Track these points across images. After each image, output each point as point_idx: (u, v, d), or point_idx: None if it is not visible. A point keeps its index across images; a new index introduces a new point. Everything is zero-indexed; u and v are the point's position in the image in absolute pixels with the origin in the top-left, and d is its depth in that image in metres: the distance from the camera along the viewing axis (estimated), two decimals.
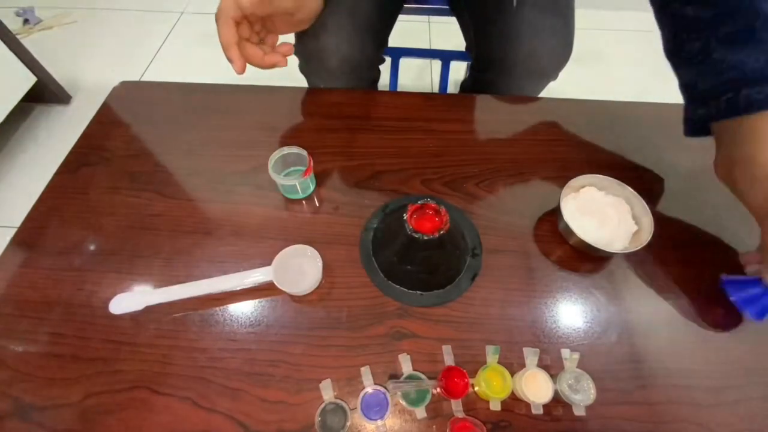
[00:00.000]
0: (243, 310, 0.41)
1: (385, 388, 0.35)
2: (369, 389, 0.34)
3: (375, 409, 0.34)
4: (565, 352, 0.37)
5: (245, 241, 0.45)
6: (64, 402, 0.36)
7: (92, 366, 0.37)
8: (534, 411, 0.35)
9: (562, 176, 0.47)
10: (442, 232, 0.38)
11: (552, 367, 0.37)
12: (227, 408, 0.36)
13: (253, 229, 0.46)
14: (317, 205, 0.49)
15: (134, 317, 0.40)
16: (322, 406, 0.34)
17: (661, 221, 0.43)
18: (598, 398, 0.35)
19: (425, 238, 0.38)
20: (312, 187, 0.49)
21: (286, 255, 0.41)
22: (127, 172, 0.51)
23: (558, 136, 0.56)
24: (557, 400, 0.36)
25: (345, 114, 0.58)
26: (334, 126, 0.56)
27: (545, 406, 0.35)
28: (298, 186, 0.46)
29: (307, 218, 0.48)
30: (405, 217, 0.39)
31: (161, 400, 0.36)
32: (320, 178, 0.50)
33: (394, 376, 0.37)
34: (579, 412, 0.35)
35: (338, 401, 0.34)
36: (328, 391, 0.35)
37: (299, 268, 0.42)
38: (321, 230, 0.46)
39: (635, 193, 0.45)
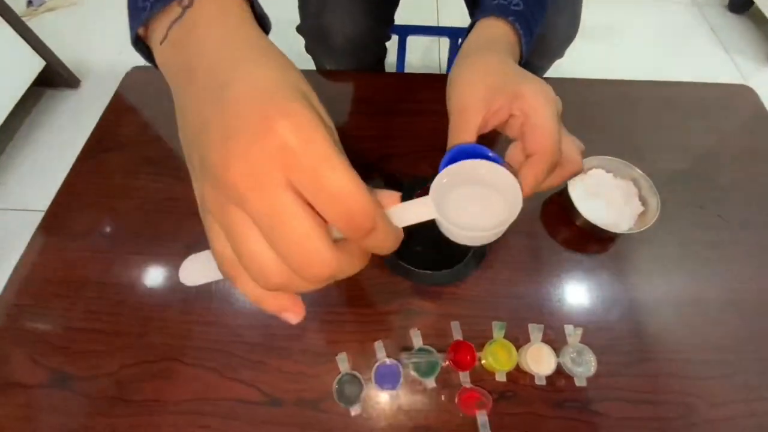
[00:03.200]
0: None
1: (398, 360, 0.37)
2: (383, 361, 0.37)
3: (388, 379, 0.36)
4: (569, 328, 0.39)
5: None
6: (101, 372, 0.39)
7: (125, 340, 0.40)
8: (537, 382, 0.37)
9: None
10: None
11: (556, 342, 0.39)
12: (250, 378, 0.39)
13: None
14: None
15: (161, 295, 0.43)
16: (339, 376, 0.36)
17: (667, 202, 0.44)
18: (598, 370, 0.37)
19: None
20: None
21: (452, 178, 0.24)
22: (144, 158, 0.52)
23: (566, 117, 0.56)
24: (560, 372, 0.38)
25: (352, 97, 0.58)
26: (342, 109, 0.57)
27: (548, 378, 0.37)
28: None
29: None
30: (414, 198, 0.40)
31: (189, 371, 0.39)
32: None
33: (406, 349, 0.39)
34: (580, 383, 0.37)
35: (354, 372, 0.37)
36: (344, 363, 0.37)
37: (475, 199, 0.25)
38: None
39: (643, 174, 0.46)
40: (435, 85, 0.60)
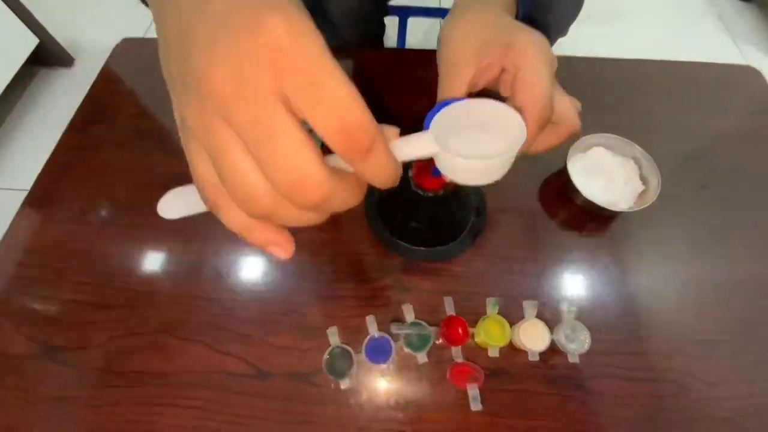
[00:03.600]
0: (253, 262, 0.42)
1: (390, 335, 0.37)
2: (374, 334, 0.36)
3: (379, 353, 0.36)
4: (564, 305, 0.39)
5: None
6: (89, 344, 0.38)
7: (114, 312, 0.40)
8: (530, 358, 0.37)
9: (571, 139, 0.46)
10: (447, 188, 0.38)
11: (550, 321, 0.39)
12: (240, 352, 0.38)
13: None
14: None
15: (151, 269, 0.42)
16: (330, 349, 0.36)
17: (669, 182, 0.43)
18: (592, 347, 0.36)
19: (430, 194, 0.39)
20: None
21: (450, 117, 0.22)
22: (134, 130, 0.51)
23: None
24: (553, 349, 0.37)
25: (351, 73, 0.57)
26: None
27: (541, 354, 0.37)
28: None
29: None
30: (410, 174, 0.39)
31: (179, 344, 0.38)
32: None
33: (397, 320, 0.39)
34: (573, 359, 0.37)
35: (344, 346, 0.36)
36: (334, 337, 0.37)
37: (476, 137, 0.23)
38: None
39: (644, 152, 0.45)
40: (434, 61, 0.59)
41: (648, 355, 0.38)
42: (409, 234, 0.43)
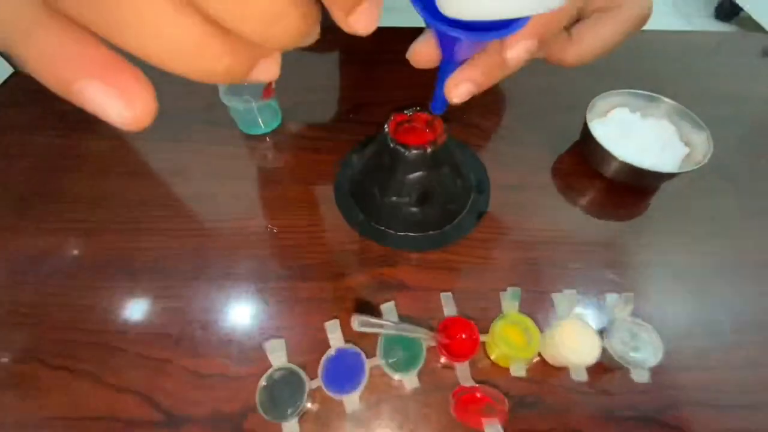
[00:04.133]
0: (171, 251, 0.31)
1: (359, 347, 0.25)
2: (336, 348, 0.24)
3: (345, 377, 0.23)
4: (612, 298, 0.27)
5: (192, 183, 0.36)
6: None
7: None
8: (575, 377, 0.24)
9: (584, 104, 0.37)
10: (434, 144, 0.29)
11: (593, 319, 0.27)
12: (142, 385, 0.26)
13: (204, 169, 0.37)
14: (284, 140, 0.40)
15: (20, 270, 0.30)
16: (268, 373, 0.23)
17: (719, 151, 0.33)
18: (665, 360, 0.24)
19: (413, 151, 0.29)
20: (277, 121, 0.40)
21: None
22: (57, 112, 0.42)
23: (590, 66, 0.47)
24: (602, 364, 0.25)
25: (327, 46, 0.49)
26: (310, 57, 0.48)
27: (590, 370, 0.25)
28: (257, 113, 0.37)
29: (271, 156, 0.39)
30: (386, 129, 0.30)
31: (51, 377, 0.26)
32: (290, 113, 0.41)
33: (363, 310, 0.26)
34: (640, 378, 0.24)
35: (291, 366, 0.24)
36: (278, 355, 0.24)
37: None
38: (287, 169, 0.37)
39: (680, 106, 0.36)
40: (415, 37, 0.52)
41: (747, 368, 0.26)
42: (390, 215, 0.33)
